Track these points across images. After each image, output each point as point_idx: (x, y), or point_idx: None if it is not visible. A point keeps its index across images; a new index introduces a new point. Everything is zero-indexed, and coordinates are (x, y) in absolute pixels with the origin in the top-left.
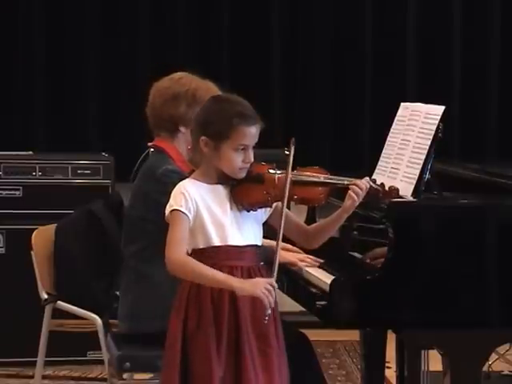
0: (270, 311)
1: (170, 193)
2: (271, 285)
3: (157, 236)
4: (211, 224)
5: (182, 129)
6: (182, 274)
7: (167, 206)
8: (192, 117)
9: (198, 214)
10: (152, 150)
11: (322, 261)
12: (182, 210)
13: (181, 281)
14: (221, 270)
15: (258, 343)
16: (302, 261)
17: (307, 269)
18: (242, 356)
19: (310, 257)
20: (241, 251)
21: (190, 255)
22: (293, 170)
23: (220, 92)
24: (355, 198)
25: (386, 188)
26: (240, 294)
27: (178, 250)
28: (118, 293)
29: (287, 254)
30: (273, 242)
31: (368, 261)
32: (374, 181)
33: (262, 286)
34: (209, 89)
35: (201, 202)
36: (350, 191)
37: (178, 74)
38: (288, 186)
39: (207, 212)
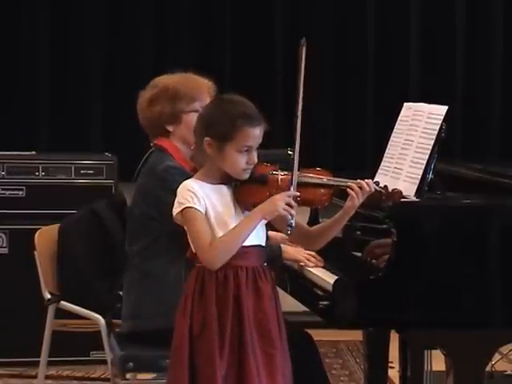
0: (292, 221)
1: (172, 189)
2: (289, 195)
3: (159, 233)
4: (216, 224)
5: (170, 128)
6: (223, 258)
7: (175, 205)
8: (172, 113)
9: (206, 212)
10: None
11: (322, 263)
12: (196, 207)
13: (185, 281)
14: (225, 270)
15: (261, 344)
16: (308, 259)
17: (310, 269)
18: (245, 356)
19: (315, 255)
20: (245, 251)
21: (194, 254)
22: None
23: (198, 77)
24: (355, 198)
25: (390, 190)
26: (268, 218)
27: (206, 245)
28: (120, 293)
29: (293, 251)
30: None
31: (370, 260)
32: (378, 183)
33: (282, 201)
34: (174, 78)
35: (207, 201)
36: (350, 191)
37: (150, 83)
38: (295, 177)
39: (213, 211)
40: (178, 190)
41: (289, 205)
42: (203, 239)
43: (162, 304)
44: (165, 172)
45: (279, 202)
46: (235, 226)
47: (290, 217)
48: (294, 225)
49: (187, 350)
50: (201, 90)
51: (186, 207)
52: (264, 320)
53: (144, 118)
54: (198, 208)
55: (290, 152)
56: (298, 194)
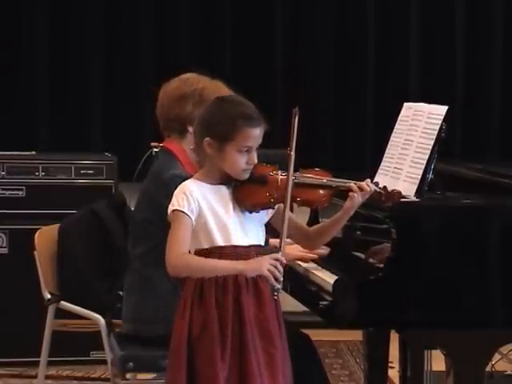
0: (278, 286)
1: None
2: (277, 259)
3: (160, 239)
4: (214, 224)
5: (190, 129)
6: (184, 271)
7: (169, 206)
8: None
9: (200, 214)
10: (156, 150)
11: (327, 250)
12: (184, 210)
13: (184, 284)
14: None
15: (262, 344)
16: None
17: (311, 269)
18: (247, 356)
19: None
20: (245, 251)
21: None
22: (296, 170)
23: (231, 92)
24: (355, 198)
25: (389, 191)
26: (248, 275)
27: (178, 251)
28: (121, 293)
29: (293, 251)
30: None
31: (371, 260)
32: (377, 184)
33: (268, 263)
34: (217, 88)
35: (204, 202)
36: (350, 192)
37: (187, 74)
38: (290, 187)
39: (210, 212)
40: (175, 191)
41: (275, 267)
42: (178, 245)
43: (162, 309)
44: (170, 180)
45: (265, 263)
46: (216, 261)
47: (273, 280)
48: (280, 290)
49: (185, 352)
50: None
51: (175, 209)
52: (265, 321)
53: (168, 110)
54: (186, 212)
55: (288, 152)
56: (285, 261)
